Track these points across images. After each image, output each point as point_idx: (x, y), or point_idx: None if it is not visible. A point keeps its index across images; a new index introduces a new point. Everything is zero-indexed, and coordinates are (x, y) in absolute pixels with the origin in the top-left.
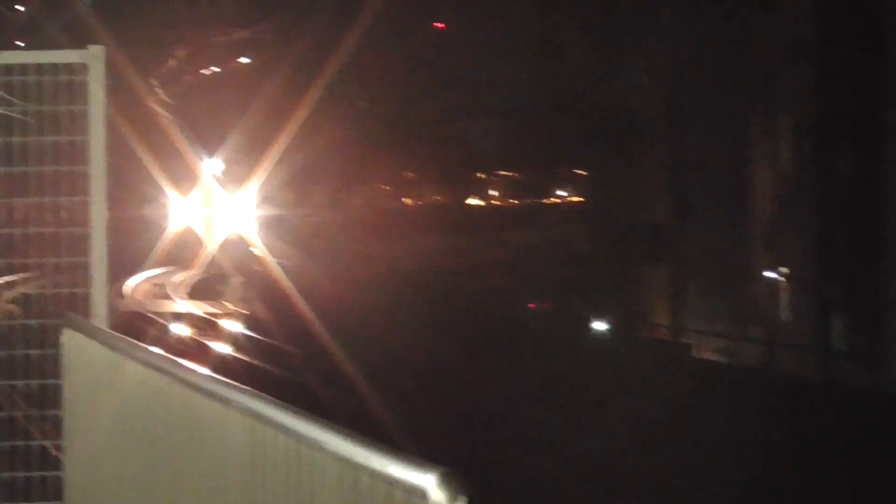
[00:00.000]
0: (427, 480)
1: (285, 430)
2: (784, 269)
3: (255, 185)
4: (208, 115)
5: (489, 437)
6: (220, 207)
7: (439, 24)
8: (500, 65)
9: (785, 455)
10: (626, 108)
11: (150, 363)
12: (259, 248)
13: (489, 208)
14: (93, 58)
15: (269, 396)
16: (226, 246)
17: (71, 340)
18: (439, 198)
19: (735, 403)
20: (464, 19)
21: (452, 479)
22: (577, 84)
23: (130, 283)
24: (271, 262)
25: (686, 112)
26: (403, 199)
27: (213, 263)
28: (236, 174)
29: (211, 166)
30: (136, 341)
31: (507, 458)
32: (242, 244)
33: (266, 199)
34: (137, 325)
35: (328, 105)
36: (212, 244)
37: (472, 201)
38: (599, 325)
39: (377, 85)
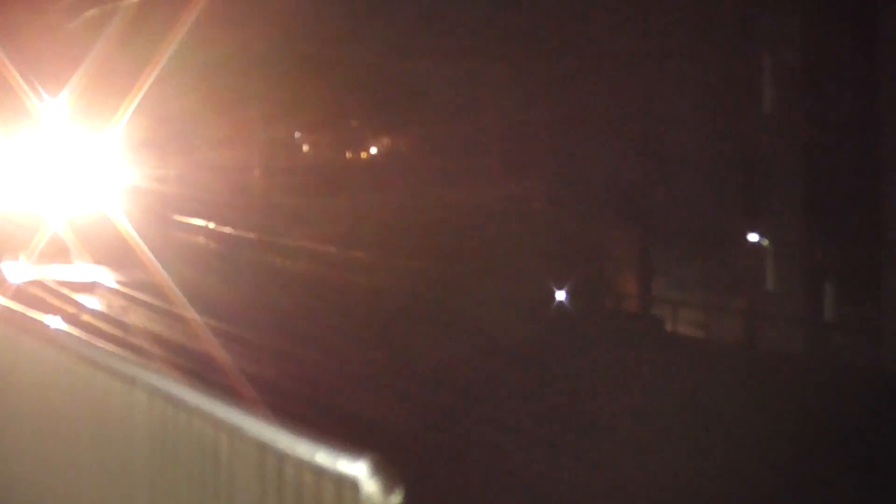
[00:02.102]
0: (358, 469)
1: (199, 412)
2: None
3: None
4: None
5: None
6: (72, 177)
7: None
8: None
9: (772, 446)
10: (594, 47)
11: (47, 338)
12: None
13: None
14: None
15: (179, 376)
16: (81, 226)
17: None
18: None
19: (715, 384)
20: None
21: (386, 467)
22: (535, 28)
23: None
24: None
25: (661, 55)
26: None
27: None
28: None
29: (60, 120)
30: (33, 313)
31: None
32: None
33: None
34: (35, 295)
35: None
36: (56, 224)
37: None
38: (559, 296)
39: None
